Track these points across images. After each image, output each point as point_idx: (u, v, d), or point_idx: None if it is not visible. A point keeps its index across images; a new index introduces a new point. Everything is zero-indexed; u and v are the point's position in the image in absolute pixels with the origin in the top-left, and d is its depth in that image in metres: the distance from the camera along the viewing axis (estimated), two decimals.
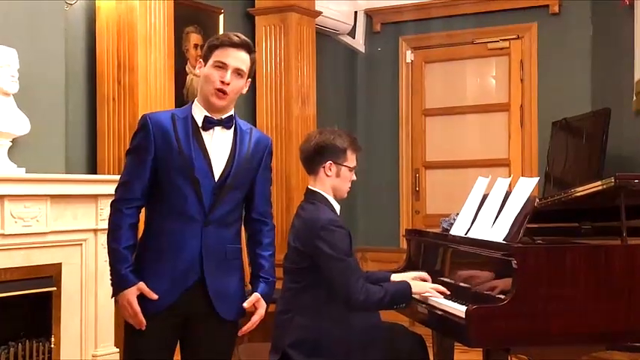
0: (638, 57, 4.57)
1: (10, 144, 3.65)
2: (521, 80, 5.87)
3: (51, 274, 3.67)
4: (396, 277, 3.15)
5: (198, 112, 2.57)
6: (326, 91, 6.01)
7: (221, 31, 5.15)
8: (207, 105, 2.55)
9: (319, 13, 5.69)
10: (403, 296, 2.95)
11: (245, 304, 2.61)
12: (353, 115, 6.42)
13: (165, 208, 2.53)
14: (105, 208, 3.70)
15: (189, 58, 5.00)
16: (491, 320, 2.63)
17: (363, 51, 6.46)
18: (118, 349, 3.91)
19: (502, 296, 2.72)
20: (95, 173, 4.34)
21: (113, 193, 2.59)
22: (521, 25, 5.87)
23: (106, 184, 3.74)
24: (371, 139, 6.21)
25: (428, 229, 4.21)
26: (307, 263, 2.90)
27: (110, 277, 2.55)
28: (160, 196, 2.54)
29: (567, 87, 5.63)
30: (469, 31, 6.06)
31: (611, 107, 4.65)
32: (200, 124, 2.55)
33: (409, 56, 6.31)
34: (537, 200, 3.06)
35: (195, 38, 5.05)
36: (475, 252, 3.02)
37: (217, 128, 2.57)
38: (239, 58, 2.54)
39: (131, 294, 2.48)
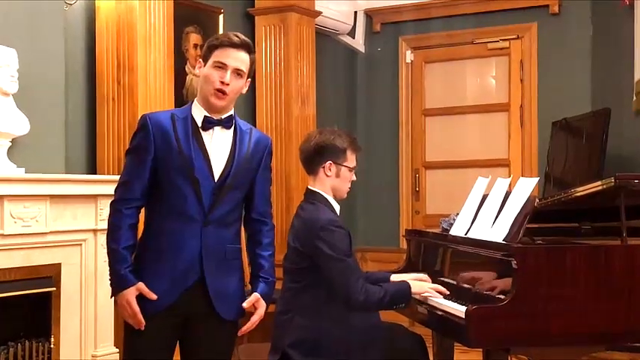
0: (638, 57, 4.57)
1: (10, 144, 3.65)
2: (521, 80, 5.87)
3: (50, 275, 3.67)
4: (395, 278, 3.14)
5: (198, 112, 2.56)
6: (326, 91, 6.00)
7: (221, 31, 5.15)
8: (207, 105, 2.55)
9: (319, 13, 5.69)
10: (403, 296, 2.95)
11: (244, 304, 2.61)
12: (353, 115, 6.42)
13: (165, 208, 2.53)
14: (104, 209, 3.70)
15: (188, 58, 5.00)
16: (491, 320, 2.63)
17: (363, 51, 6.46)
18: (117, 350, 3.90)
19: (502, 296, 2.71)
20: (95, 173, 4.34)
21: (113, 193, 2.58)
22: (521, 25, 5.87)
23: (106, 184, 3.74)
24: (371, 139, 6.20)
25: (428, 230, 4.21)
26: (307, 263, 2.90)
27: (109, 278, 2.55)
28: (160, 196, 2.54)
29: (567, 87, 5.63)
30: (469, 31, 6.06)
31: (611, 107, 4.64)
32: (200, 124, 2.55)
33: (409, 56, 6.31)
34: (537, 200, 3.06)
35: (194, 38, 5.04)
36: (475, 252, 3.02)
37: (217, 128, 2.57)
38: (239, 59, 2.54)
39: (130, 294, 2.47)
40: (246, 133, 2.63)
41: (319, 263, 2.87)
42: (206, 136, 2.55)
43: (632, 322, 2.70)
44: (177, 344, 2.62)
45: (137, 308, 2.47)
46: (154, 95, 4.32)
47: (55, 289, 3.67)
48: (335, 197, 3.03)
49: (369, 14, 6.42)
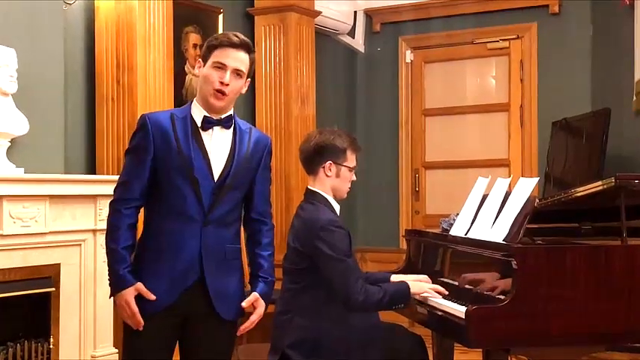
0: (638, 57, 4.57)
1: (9, 144, 3.65)
2: (521, 80, 5.87)
3: (50, 275, 3.66)
4: (395, 279, 3.14)
5: (198, 112, 2.56)
6: (325, 91, 6.00)
7: (220, 31, 5.14)
8: (207, 105, 2.55)
9: (319, 13, 5.69)
10: (402, 297, 2.94)
11: (244, 304, 2.61)
12: (352, 115, 6.42)
13: (165, 208, 2.53)
14: (104, 209, 3.70)
15: (188, 58, 4.99)
16: (491, 321, 2.62)
17: (363, 51, 6.45)
18: (116, 350, 3.90)
19: (502, 297, 2.71)
20: (94, 173, 4.34)
21: (112, 193, 2.58)
22: (521, 25, 5.87)
23: (105, 185, 3.74)
24: (371, 139, 6.20)
25: (428, 230, 4.20)
26: (307, 264, 2.90)
27: (108, 278, 2.54)
28: (159, 196, 2.53)
29: (567, 87, 5.63)
30: (469, 31, 6.06)
31: (611, 107, 4.64)
32: (199, 124, 2.55)
33: (409, 56, 6.30)
34: (537, 200, 3.06)
35: (194, 38, 5.04)
36: (475, 252, 3.02)
37: (216, 128, 2.56)
38: (238, 59, 2.53)
39: (129, 294, 2.47)
40: (246, 132, 2.63)
41: (319, 263, 2.86)
42: (205, 136, 2.55)
43: (632, 323, 2.70)
44: (177, 344, 2.61)
45: (136, 308, 2.47)
46: (153, 95, 4.32)
47: (54, 289, 3.67)
48: (335, 197, 3.02)
49: (369, 14, 6.41)
